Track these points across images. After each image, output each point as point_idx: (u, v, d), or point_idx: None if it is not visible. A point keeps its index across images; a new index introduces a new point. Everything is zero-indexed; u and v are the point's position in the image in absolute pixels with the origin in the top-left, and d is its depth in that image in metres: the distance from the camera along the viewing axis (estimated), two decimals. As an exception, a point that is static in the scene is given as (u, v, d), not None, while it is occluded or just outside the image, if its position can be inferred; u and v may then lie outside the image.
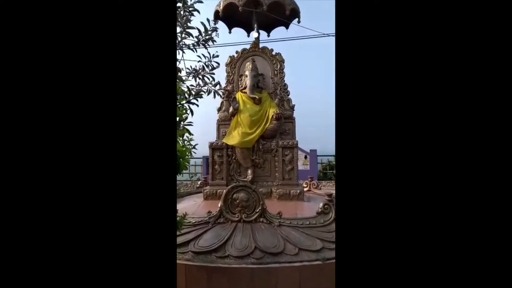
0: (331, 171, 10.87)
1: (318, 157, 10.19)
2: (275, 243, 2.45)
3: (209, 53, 2.34)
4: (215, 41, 2.38)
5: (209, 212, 2.80)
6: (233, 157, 4.01)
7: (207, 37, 2.30)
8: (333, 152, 11.78)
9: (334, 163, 10.91)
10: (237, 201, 2.71)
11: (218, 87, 2.43)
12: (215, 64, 2.43)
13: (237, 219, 2.61)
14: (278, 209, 2.84)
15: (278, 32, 4.96)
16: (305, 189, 4.60)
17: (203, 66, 2.39)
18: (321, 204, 2.92)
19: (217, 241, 2.46)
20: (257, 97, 3.99)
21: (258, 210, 2.66)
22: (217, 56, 2.38)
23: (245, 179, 4.00)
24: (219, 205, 2.75)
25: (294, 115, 4.26)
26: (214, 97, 2.45)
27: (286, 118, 4.11)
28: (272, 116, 3.89)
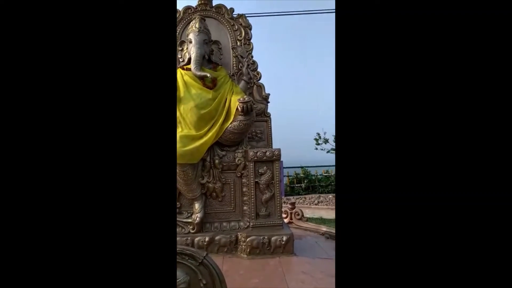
0: (298, 185, 9.68)
1: (284, 169, 8.89)
2: None
3: None
4: None
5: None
6: (168, 181, 2.29)
7: None
8: (301, 163, 10.65)
9: (302, 175, 9.80)
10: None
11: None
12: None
13: None
14: (251, 277, 1.77)
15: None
16: (285, 221, 3.04)
17: None
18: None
19: None
20: (208, 75, 2.35)
21: (213, 309, 1.24)
22: None
23: (190, 220, 2.29)
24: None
25: (268, 110, 2.72)
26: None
27: (257, 114, 2.55)
28: (237, 108, 2.28)
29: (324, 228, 2.95)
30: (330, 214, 5.69)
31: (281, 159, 2.74)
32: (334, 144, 5.12)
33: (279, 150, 2.37)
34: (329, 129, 5.38)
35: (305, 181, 9.72)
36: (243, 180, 2.39)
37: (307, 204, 7.49)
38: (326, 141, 5.12)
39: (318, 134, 5.20)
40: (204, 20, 2.60)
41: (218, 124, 2.31)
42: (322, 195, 8.89)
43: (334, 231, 2.75)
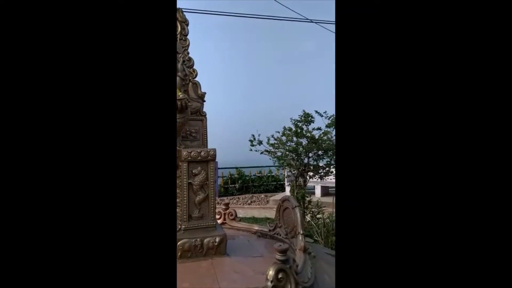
0: (232, 186, 9.75)
1: (218, 170, 8.85)
2: None
3: None
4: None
5: None
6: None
7: None
8: (235, 163, 10.74)
9: (237, 176, 9.90)
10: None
11: None
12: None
13: None
14: (181, 281, 1.65)
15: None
16: (218, 222, 3.02)
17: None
18: (271, 272, 1.53)
19: None
20: (140, 68, 2.19)
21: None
22: None
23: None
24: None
25: (204, 109, 2.66)
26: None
27: (193, 113, 2.47)
28: (170, 105, 2.17)
29: (256, 227, 3.01)
30: (262, 213, 5.89)
31: (216, 160, 2.74)
32: (267, 146, 5.30)
33: (214, 150, 2.33)
34: (263, 131, 5.56)
35: (239, 182, 9.86)
36: (176, 181, 2.29)
37: (240, 204, 7.60)
38: (260, 142, 5.26)
39: (253, 135, 5.31)
40: (136, 9, 2.42)
41: (149, 121, 2.16)
42: (255, 194, 9.15)
43: (265, 230, 2.84)
